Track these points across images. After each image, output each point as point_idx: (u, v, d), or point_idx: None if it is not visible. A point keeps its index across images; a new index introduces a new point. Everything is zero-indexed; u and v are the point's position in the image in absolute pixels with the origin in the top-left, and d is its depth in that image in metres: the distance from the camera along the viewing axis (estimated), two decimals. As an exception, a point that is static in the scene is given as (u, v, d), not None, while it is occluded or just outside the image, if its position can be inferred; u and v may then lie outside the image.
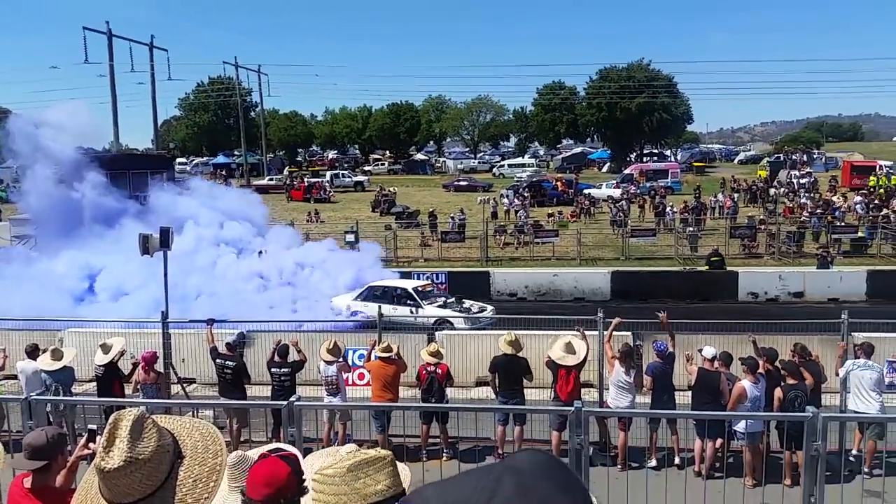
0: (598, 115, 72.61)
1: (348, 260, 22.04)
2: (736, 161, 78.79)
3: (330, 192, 50.40)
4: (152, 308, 14.16)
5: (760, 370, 8.88)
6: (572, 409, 5.88)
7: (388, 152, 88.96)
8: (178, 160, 64.32)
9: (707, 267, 23.31)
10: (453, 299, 18.27)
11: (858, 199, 33.75)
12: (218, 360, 10.10)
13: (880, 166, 46.69)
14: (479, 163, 78.98)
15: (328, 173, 60.98)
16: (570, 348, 9.54)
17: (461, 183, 54.82)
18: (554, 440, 9.17)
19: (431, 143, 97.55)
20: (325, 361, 9.95)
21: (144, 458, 1.78)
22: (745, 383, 8.68)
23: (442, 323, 16.30)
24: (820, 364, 9.52)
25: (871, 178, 42.81)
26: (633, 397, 9.44)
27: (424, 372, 9.80)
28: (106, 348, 10.01)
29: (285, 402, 5.79)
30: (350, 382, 11.28)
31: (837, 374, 9.48)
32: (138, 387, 9.76)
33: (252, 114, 75.70)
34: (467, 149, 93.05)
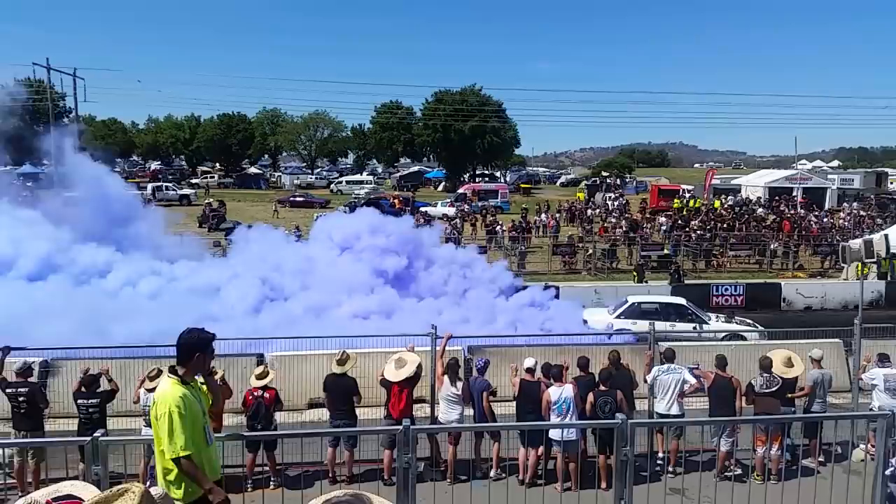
0: (434, 135, 74.50)
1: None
2: (558, 183, 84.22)
3: (151, 205, 47.18)
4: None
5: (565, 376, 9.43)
6: (400, 427, 5.88)
7: (218, 165, 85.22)
8: (-25, 168, 57.36)
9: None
10: (724, 316, 18.55)
11: (664, 219, 37.22)
12: (8, 390, 9.07)
13: (683, 190, 52.29)
14: (316, 178, 77.99)
15: (150, 185, 57.05)
16: (400, 363, 9.57)
17: (297, 199, 53.70)
18: (385, 459, 9.14)
19: (266, 156, 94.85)
20: (146, 389, 9.22)
21: None
22: (551, 390, 9.22)
23: (731, 338, 16.28)
24: (631, 371, 10.33)
25: (676, 200, 47.57)
26: (462, 409, 9.63)
27: (251, 397, 9.40)
28: None
29: (88, 438, 5.29)
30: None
31: (646, 381, 10.30)
32: None
33: (66, 120, 69.30)
34: (304, 164, 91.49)
